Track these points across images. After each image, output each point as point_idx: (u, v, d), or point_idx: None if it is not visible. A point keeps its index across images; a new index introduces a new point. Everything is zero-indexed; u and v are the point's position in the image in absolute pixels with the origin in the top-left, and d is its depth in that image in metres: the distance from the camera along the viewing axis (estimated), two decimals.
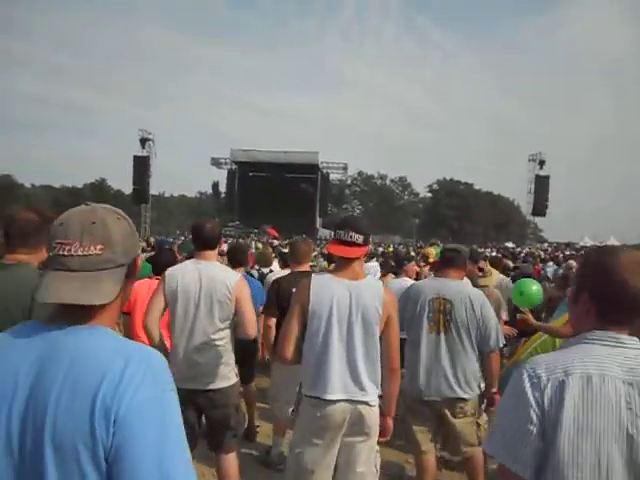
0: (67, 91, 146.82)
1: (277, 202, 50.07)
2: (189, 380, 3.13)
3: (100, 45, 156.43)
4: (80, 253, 1.18)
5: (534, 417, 1.35)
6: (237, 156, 51.91)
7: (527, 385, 1.38)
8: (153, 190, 49.92)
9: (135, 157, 44.55)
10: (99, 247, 1.19)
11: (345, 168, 56.80)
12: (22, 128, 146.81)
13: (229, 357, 3.33)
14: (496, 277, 6.20)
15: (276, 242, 27.68)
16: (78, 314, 1.18)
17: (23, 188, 78.33)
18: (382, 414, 2.84)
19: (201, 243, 3.33)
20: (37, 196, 76.63)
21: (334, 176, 61.50)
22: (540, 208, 45.27)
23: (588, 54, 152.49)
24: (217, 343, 3.22)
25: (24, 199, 72.21)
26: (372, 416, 2.74)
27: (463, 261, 3.65)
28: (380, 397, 2.83)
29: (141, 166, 44.44)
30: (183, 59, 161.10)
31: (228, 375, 3.30)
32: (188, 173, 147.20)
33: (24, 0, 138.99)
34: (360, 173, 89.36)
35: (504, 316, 6.04)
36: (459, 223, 77.82)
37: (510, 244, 44.26)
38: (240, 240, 28.87)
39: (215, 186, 59.96)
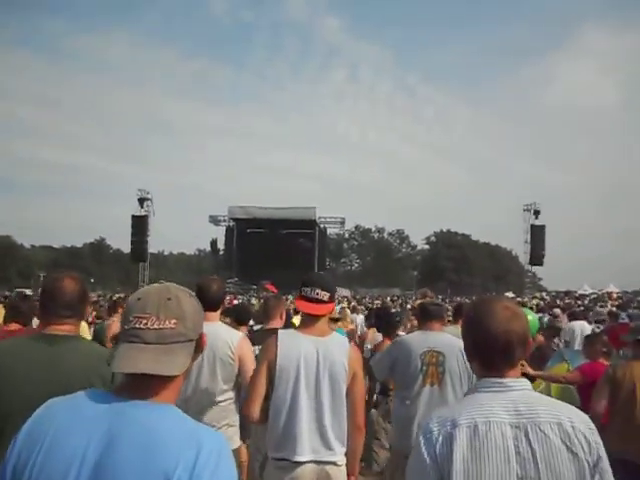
0: (66, 152, 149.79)
1: (275, 258, 50.29)
2: None
3: (98, 107, 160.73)
4: (156, 327, 1.26)
5: (431, 472, 1.39)
6: (234, 213, 52.44)
7: (422, 441, 1.44)
8: (152, 248, 50.47)
9: (133, 216, 45.26)
10: (173, 321, 1.28)
11: (342, 222, 57.41)
12: (19, 189, 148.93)
13: (233, 419, 3.27)
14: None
15: None
16: (145, 386, 1.24)
17: (23, 249, 78.90)
18: (347, 474, 2.77)
19: (205, 304, 3.20)
20: (37, 257, 77.01)
21: (332, 230, 62.22)
22: (537, 257, 45.68)
23: (581, 103, 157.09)
24: (221, 405, 3.17)
25: (24, 260, 72.57)
26: (340, 476, 2.68)
27: (443, 313, 3.82)
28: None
29: (140, 225, 45.09)
30: (179, 120, 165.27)
31: (232, 437, 3.22)
32: (187, 231, 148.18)
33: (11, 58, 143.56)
34: (357, 227, 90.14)
35: None
36: (458, 274, 77.93)
37: (510, 294, 44.26)
38: (240, 297, 29.01)
39: (213, 243, 60.35)
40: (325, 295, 2.75)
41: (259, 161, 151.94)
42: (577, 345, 8.87)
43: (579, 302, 27.24)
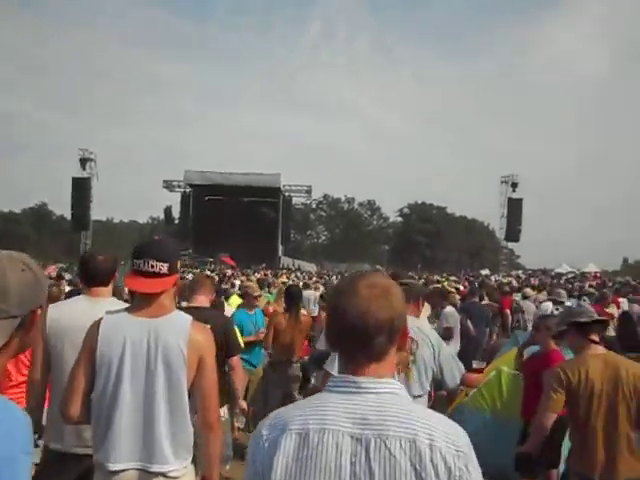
0: (7, 105, 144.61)
1: (235, 228, 49.84)
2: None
3: (42, 56, 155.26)
4: None
5: None
6: (191, 178, 51.57)
7: (251, 445, 1.32)
8: (99, 215, 49.57)
9: (74, 179, 44.10)
10: None
11: (309, 191, 57.11)
12: None
13: None
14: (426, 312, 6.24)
15: (230, 272, 27.69)
16: None
17: None
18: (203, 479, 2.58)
19: (87, 278, 3.14)
20: None
21: (297, 200, 61.92)
22: (513, 233, 46.47)
23: (565, 74, 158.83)
24: None
25: None
26: None
27: (416, 296, 3.54)
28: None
29: (81, 189, 43.98)
30: (134, 74, 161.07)
31: None
32: (139, 197, 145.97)
33: None
34: (325, 196, 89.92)
35: None
36: (432, 250, 78.86)
37: (486, 271, 45.07)
38: (194, 271, 28.71)
39: (167, 211, 59.16)
40: (162, 267, 2.44)
41: (218, 121, 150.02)
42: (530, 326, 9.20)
43: (554, 281, 27.89)
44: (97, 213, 47.09)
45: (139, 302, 2.49)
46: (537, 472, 4.35)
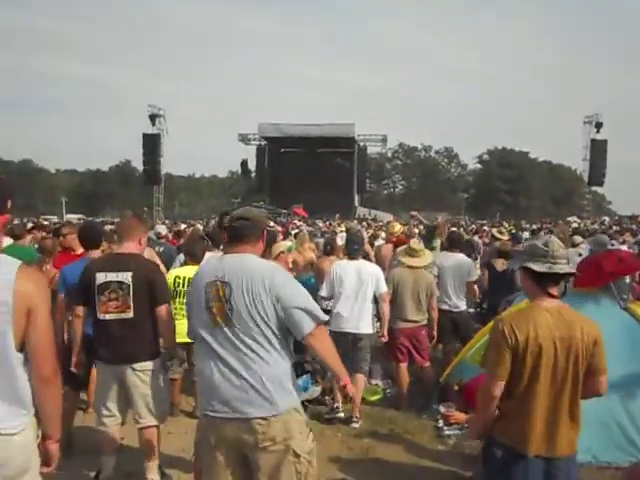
0: (83, 67, 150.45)
1: (311, 179, 50.49)
2: None
3: (114, 14, 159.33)
4: None
5: None
6: (266, 131, 52.11)
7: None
8: (181, 171, 51.38)
9: (144, 135, 46.06)
10: None
11: (384, 140, 56.62)
12: (37, 109, 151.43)
13: None
14: (430, 257, 6.32)
15: (299, 223, 28.40)
16: None
17: (44, 173, 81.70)
18: (44, 438, 2.41)
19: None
20: (60, 182, 79.54)
21: (372, 149, 61.57)
22: (597, 176, 44.44)
23: None
24: None
25: (47, 186, 75.08)
26: (12, 448, 2.21)
27: (256, 231, 2.99)
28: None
29: (151, 145, 45.91)
30: (205, 28, 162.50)
31: None
32: (219, 151, 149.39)
33: None
34: (401, 145, 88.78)
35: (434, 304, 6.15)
36: (513, 197, 76.75)
37: (574, 218, 43.78)
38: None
39: (244, 164, 60.15)
40: None
41: (289, 72, 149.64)
42: None
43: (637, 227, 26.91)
44: (179, 169, 48.84)
45: None
46: None
